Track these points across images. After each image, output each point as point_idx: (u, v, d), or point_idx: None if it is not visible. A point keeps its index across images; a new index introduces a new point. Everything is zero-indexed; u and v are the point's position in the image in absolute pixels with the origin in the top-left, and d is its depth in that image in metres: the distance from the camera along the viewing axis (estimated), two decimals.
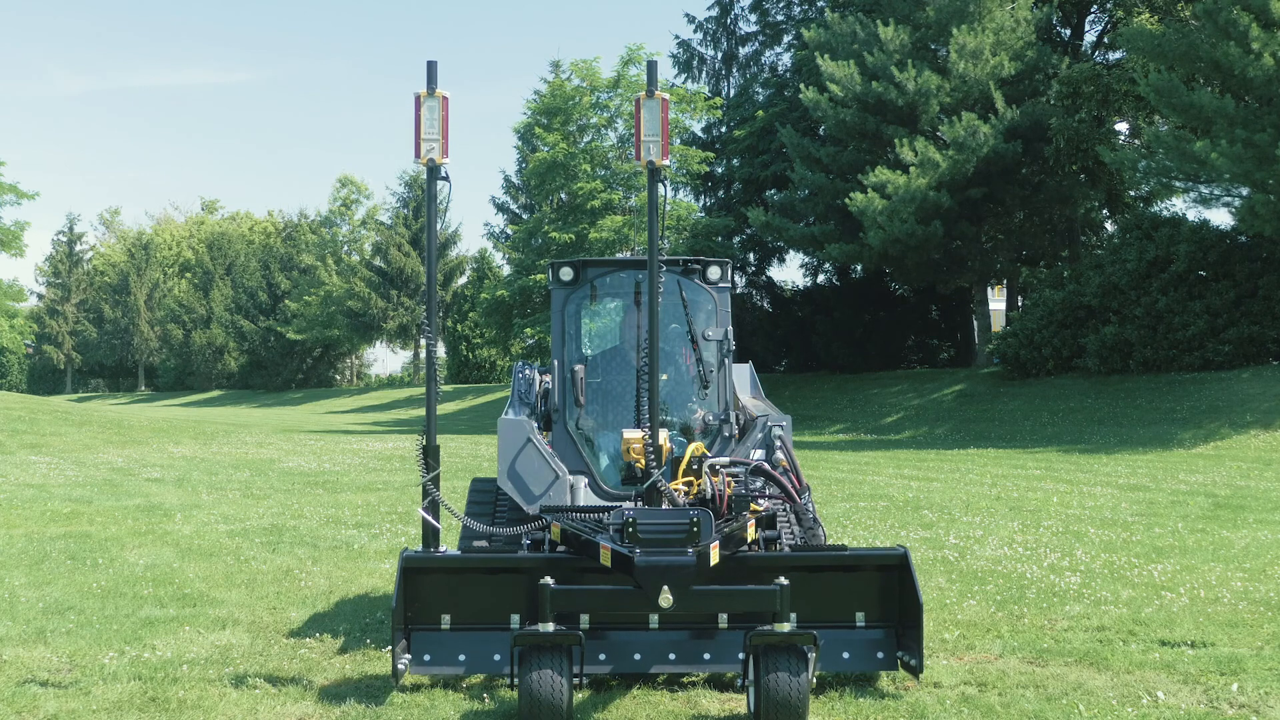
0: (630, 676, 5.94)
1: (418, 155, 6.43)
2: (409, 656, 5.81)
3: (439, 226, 6.59)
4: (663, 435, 6.44)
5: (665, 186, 6.66)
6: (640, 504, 6.17)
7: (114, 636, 6.89)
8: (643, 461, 6.22)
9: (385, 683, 5.90)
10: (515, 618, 5.91)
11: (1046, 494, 14.77)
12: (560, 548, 6.05)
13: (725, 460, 6.74)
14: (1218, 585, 8.32)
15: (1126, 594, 8.08)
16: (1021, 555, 9.81)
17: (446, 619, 5.90)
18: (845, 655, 5.87)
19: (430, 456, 6.48)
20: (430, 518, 6.44)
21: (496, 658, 5.83)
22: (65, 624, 7.24)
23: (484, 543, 6.71)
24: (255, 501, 14.27)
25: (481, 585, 5.98)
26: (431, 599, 5.90)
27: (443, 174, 6.52)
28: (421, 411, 55.43)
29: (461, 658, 5.85)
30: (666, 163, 6.37)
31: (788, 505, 7.07)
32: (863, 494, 15.02)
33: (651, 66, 6.49)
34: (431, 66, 6.42)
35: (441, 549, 6.39)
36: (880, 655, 5.90)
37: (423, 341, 76.59)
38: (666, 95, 6.34)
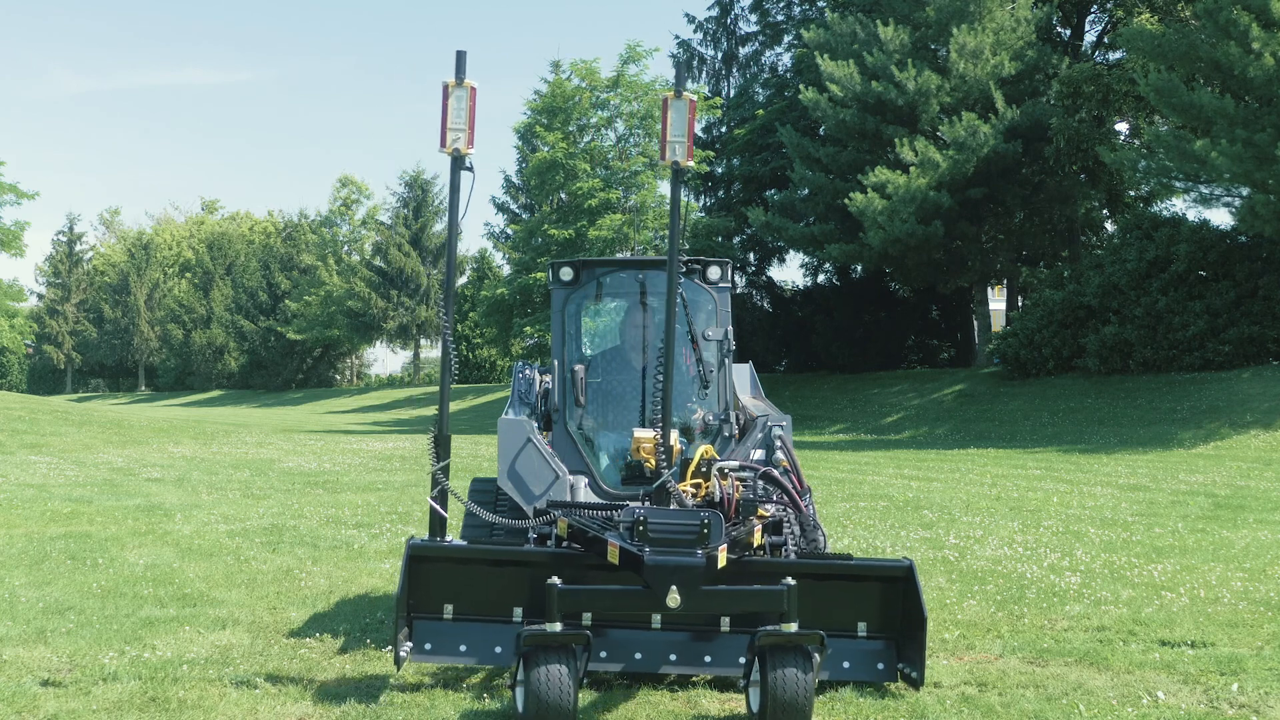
0: (630, 676, 5.94)
1: (443, 145, 6.32)
2: (410, 644, 5.81)
3: (461, 217, 6.56)
4: (673, 436, 6.41)
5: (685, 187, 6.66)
6: (648, 503, 6.15)
7: (114, 636, 6.88)
8: (653, 461, 6.19)
9: (385, 683, 5.90)
10: (518, 610, 5.90)
11: (1046, 494, 14.77)
12: (566, 543, 6.05)
13: (735, 464, 6.72)
14: (1218, 585, 8.32)
15: (1126, 594, 8.08)
16: (1021, 555, 9.81)
17: (449, 609, 5.91)
18: (845, 665, 5.87)
19: (441, 446, 6.47)
20: (439, 507, 6.45)
21: (498, 650, 5.83)
22: (65, 624, 7.23)
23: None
24: (255, 501, 14.26)
25: (485, 577, 5.97)
26: (435, 588, 5.90)
27: (467, 164, 6.45)
28: (422, 411, 55.55)
29: (462, 648, 5.86)
30: (691, 164, 6.34)
31: (792, 513, 7.03)
32: (863, 494, 15.02)
33: (679, 67, 6.48)
34: (460, 56, 6.34)
35: (447, 539, 6.39)
36: (880, 666, 5.89)
37: (423, 341, 76.62)
38: (694, 96, 6.29)
